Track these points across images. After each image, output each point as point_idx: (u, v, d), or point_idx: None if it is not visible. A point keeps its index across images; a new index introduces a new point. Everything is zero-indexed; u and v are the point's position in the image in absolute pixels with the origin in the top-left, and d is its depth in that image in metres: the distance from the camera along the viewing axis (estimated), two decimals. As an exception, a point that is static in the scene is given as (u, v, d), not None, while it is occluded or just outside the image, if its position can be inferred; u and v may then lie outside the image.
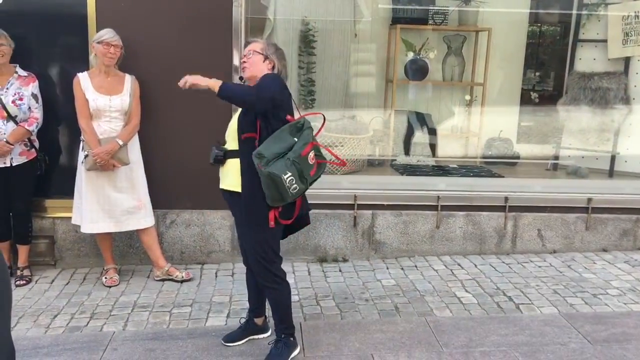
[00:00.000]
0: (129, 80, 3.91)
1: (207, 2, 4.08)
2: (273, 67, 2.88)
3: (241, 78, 3.06)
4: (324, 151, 2.88)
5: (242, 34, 4.16)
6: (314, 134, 2.80)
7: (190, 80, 2.73)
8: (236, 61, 4.13)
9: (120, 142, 3.78)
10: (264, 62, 2.88)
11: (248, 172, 2.73)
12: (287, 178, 2.61)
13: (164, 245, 4.32)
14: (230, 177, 2.85)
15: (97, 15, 4.02)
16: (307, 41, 5.45)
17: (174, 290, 3.92)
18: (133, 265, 4.29)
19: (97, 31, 3.93)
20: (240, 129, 2.77)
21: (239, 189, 2.79)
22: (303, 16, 5.40)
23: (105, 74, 3.84)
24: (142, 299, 3.78)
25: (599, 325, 3.41)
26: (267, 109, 2.68)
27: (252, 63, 2.88)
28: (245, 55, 2.92)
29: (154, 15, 4.04)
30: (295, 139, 2.69)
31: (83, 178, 3.84)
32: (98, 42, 3.76)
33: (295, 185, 2.65)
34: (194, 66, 4.07)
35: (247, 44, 3.03)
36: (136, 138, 3.99)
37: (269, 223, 2.74)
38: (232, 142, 2.85)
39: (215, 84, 2.70)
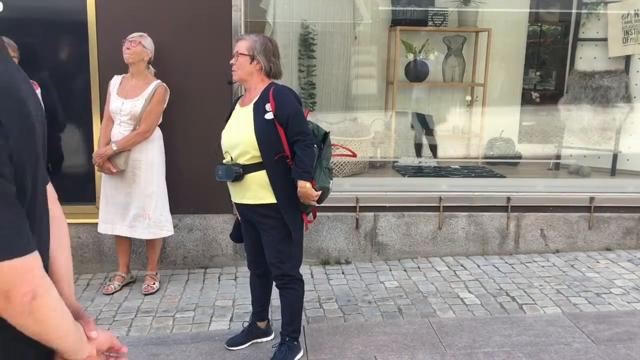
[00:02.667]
0: (152, 86, 3.81)
1: (206, 7, 4.09)
2: (261, 68, 2.86)
3: (230, 82, 3.08)
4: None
5: (241, 38, 4.17)
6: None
7: (306, 200, 2.82)
8: (236, 65, 4.14)
9: (114, 147, 3.72)
10: (250, 63, 2.85)
11: (284, 186, 2.82)
12: (331, 185, 2.91)
13: (166, 250, 4.33)
14: (254, 190, 2.84)
15: (97, 22, 4.04)
16: (307, 44, 5.46)
17: (177, 295, 3.93)
18: (136, 270, 4.30)
19: (97, 37, 3.94)
20: (264, 147, 2.77)
21: (265, 201, 2.83)
22: (302, 19, 5.41)
23: (131, 76, 3.84)
24: (145, 304, 3.78)
25: (602, 325, 3.40)
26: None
27: (239, 66, 2.86)
28: (234, 57, 2.90)
29: (154, 21, 4.05)
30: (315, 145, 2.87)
31: (102, 178, 3.89)
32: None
33: (332, 185, 2.94)
34: (194, 70, 4.12)
35: (236, 41, 3.01)
36: (153, 146, 3.85)
37: (303, 227, 2.94)
38: (244, 156, 2.82)
39: (307, 183, 2.78)
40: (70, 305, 1.15)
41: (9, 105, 1.00)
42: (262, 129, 2.77)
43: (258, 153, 2.78)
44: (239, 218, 3.07)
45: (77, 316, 1.17)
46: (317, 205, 2.91)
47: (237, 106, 2.98)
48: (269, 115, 2.77)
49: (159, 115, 3.87)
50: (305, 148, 2.77)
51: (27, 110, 1.05)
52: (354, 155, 3.28)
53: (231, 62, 2.90)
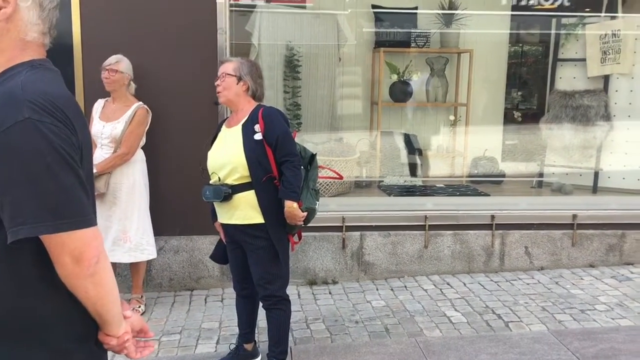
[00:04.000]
0: (133, 107, 3.80)
1: (191, 30, 4.13)
2: (247, 89, 2.88)
3: (216, 103, 3.10)
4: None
5: (227, 60, 4.20)
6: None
7: (292, 220, 2.84)
8: (222, 87, 4.17)
9: (94, 170, 3.68)
10: (237, 84, 2.87)
11: (271, 207, 2.83)
12: (317, 206, 2.94)
13: (152, 272, 4.30)
14: (242, 210, 2.84)
15: (82, 45, 4.05)
16: (292, 66, 5.51)
17: (163, 317, 3.90)
18: (121, 294, 4.25)
19: (83, 60, 3.96)
20: (253, 166, 2.78)
21: (254, 221, 2.83)
22: (287, 41, 5.47)
23: (113, 100, 3.85)
24: (131, 327, 3.74)
25: (587, 342, 3.43)
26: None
27: (225, 86, 2.87)
28: (218, 78, 2.90)
29: (139, 44, 4.07)
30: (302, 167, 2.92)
31: None
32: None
33: (318, 206, 2.97)
34: (180, 93, 4.14)
35: (220, 63, 3.03)
36: (134, 169, 3.82)
37: (289, 248, 2.95)
38: (232, 176, 2.82)
39: (294, 203, 2.79)
40: None
41: (74, 108, 1.27)
42: (252, 150, 2.79)
43: (247, 173, 2.79)
44: (224, 239, 3.07)
45: None
46: (303, 226, 2.93)
47: (224, 127, 2.99)
48: (258, 136, 2.79)
49: (139, 137, 3.83)
50: (292, 169, 2.79)
51: (83, 115, 1.32)
52: (340, 178, 3.31)
53: (216, 83, 2.90)
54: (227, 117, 3.08)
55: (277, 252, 2.86)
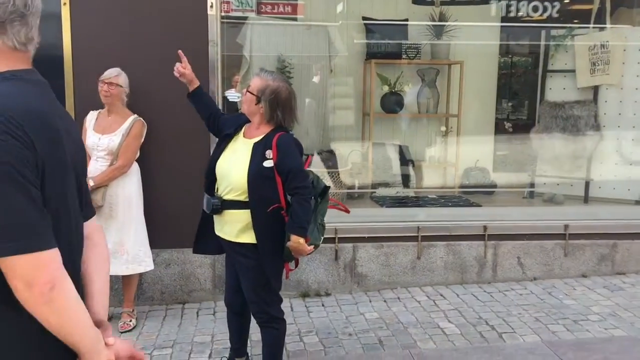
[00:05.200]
0: (129, 120, 3.80)
1: (183, 42, 4.10)
2: (263, 114, 2.76)
3: (237, 110, 3.00)
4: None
5: (218, 72, 4.21)
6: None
7: (297, 254, 2.78)
8: (213, 99, 4.15)
9: (91, 183, 3.64)
10: (255, 104, 2.76)
11: (267, 233, 2.73)
12: (320, 242, 2.89)
13: (143, 285, 4.26)
14: (230, 227, 2.79)
15: (73, 58, 4.04)
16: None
17: (154, 332, 3.86)
18: (112, 307, 4.21)
19: (74, 73, 3.94)
20: (253, 191, 2.68)
21: (241, 240, 2.77)
22: (279, 53, 5.48)
23: (108, 112, 3.84)
24: (122, 341, 3.70)
25: (581, 352, 3.43)
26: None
27: (245, 100, 2.81)
28: (246, 88, 2.84)
29: (130, 56, 4.06)
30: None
31: None
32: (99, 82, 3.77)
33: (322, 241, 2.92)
34: (172, 104, 4.12)
35: (257, 72, 2.91)
36: (131, 181, 3.81)
37: (282, 275, 2.87)
38: (234, 193, 2.74)
39: (301, 239, 2.68)
40: (96, 318, 1.31)
41: (37, 122, 1.18)
42: (256, 174, 2.68)
43: (245, 194, 2.70)
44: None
45: (98, 324, 1.29)
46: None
47: (241, 134, 2.87)
48: (268, 163, 2.68)
49: (136, 150, 3.85)
50: (303, 202, 2.68)
51: (54, 129, 1.23)
52: (347, 211, 3.13)
53: (242, 91, 2.86)
54: (244, 120, 2.92)
55: (268, 279, 2.79)
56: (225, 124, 3.00)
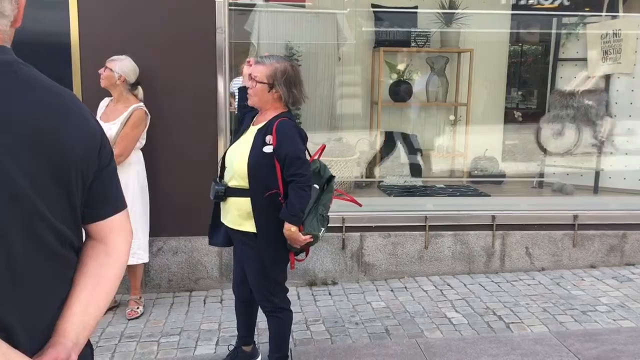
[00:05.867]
0: (130, 109, 3.74)
1: (190, 29, 4.10)
2: (280, 98, 2.72)
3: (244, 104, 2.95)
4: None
5: (226, 59, 4.18)
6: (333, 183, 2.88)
7: (293, 243, 2.72)
8: (220, 87, 4.15)
9: None
10: (269, 92, 2.71)
11: (267, 222, 2.69)
12: (322, 234, 2.78)
13: (150, 274, 4.27)
14: (232, 215, 2.77)
15: (80, 44, 4.02)
16: (291, 65, 5.48)
17: (161, 319, 3.87)
18: (119, 294, 4.24)
19: (81, 60, 3.93)
20: (253, 179, 2.66)
21: (242, 228, 2.74)
22: (287, 40, 5.45)
23: (114, 99, 3.82)
24: (130, 329, 3.72)
25: (589, 343, 3.41)
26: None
27: (255, 92, 2.73)
28: (251, 79, 2.74)
29: (137, 43, 4.03)
30: (316, 186, 2.77)
31: None
32: None
33: (324, 233, 2.80)
34: (179, 92, 4.12)
35: (254, 62, 2.80)
36: (128, 171, 3.74)
37: (287, 265, 2.82)
38: (236, 180, 2.73)
39: (293, 227, 2.65)
40: (58, 329, 1.16)
41: None
42: (256, 161, 2.66)
43: (246, 181, 2.68)
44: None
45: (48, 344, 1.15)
46: (303, 248, 2.80)
47: (252, 123, 2.85)
48: (268, 149, 2.65)
49: (134, 140, 3.74)
50: (298, 190, 2.63)
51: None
52: (359, 204, 3.07)
53: (248, 85, 2.76)
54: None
55: (268, 268, 2.76)
56: (245, 117, 2.97)
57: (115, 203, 1.32)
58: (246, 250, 2.80)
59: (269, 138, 2.67)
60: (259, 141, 2.69)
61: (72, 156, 1.17)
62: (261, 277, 2.80)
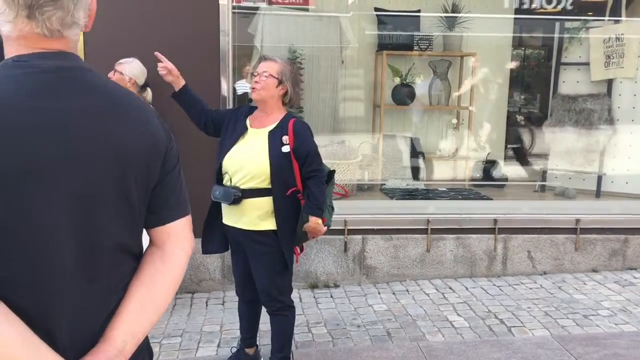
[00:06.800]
0: None
1: (194, 32, 4.12)
2: (285, 93, 2.82)
3: (249, 101, 3.00)
4: None
5: (229, 62, 4.20)
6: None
7: (313, 235, 2.85)
8: (224, 90, 4.16)
9: None
10: (277, 87, 2.80)
11: (288, 219, 2.80)
12: (331, 223, 2.98)
13: (153, 275, 4.28)
14: (249, 216, 2.79)
15: (85, 47, 4.04)
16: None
17: (163, 320, 3.88)
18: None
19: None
20: (277, 177, 2.73)
21: (261, 228, 2.79)
22: (290, 43, 5.46)
23: None
24: (132, 330, 3.73)
25: (591, 347, 3.40)
26: None
27: (264, 86, 2.78)
28: (258, 75, 2.80)
29: (141, 46, 4.03)
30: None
31: None
32: None
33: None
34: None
35: (262, 59, 2.90)
36: None
37: (294, 259, 2.92)
38: (253, 181, 2.75)
39: (318, 219, 2.79)
40: (105, 335, 1.14)
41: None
42: (278, 161, 2.73)
43: (266, 181, 2.73)
44: (230, 246, 3.02)
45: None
46: (309, 239, 2.92)
47: (249, 127, 2.86)
48: (286, 149, 2.74)
49: None
50: (319, 184, 2.79)
51: (9, 126, 1.02)
52: (347, 193, 3.34)
53: (255, 80, 2.81)
54: (245, 111, 2.94)
55: (284, 263, 2.84)
56: (225, 118, 2.97)
57: (176, 209, 1.29)
58: (261, 249, 2.82)
59: (285, 138, 2.75)
60: (276, 142, 2.75)
61: (130, 161, 1.15)
62: (275, 275, 2.85)
